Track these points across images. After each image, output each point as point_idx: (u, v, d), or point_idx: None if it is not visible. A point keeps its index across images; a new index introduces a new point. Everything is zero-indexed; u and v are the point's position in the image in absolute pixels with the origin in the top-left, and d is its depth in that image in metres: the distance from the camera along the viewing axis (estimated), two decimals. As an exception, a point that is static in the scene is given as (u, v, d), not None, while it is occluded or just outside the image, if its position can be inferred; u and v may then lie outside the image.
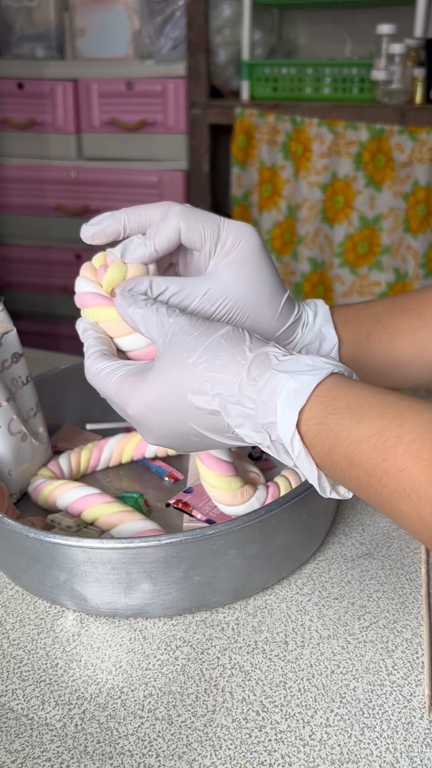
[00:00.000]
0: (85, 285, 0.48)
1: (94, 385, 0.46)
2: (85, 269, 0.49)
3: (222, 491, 0.50)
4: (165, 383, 0.42)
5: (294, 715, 0.42)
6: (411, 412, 0.36)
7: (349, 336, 0.52)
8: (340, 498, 0.41)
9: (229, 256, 0.47)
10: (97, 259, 0.49)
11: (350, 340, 0.52)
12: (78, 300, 0.49)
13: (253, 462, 0.59)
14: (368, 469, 0.36)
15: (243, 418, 0.41)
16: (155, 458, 0.66)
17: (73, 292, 0.49)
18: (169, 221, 0.46)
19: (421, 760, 0.39)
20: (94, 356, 0.46)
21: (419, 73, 1.56)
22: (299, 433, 0.39)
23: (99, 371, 0.45)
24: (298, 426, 0.39)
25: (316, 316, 0.52)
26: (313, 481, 0.40)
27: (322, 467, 0.39)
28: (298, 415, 0.38)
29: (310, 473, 0.40)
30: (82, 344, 0.47)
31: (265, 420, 0.40)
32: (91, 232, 0.48)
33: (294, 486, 0.54)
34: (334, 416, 0.38)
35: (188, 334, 0.42)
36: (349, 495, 0.41)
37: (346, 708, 0.42)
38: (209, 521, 0.54)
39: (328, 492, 0.41)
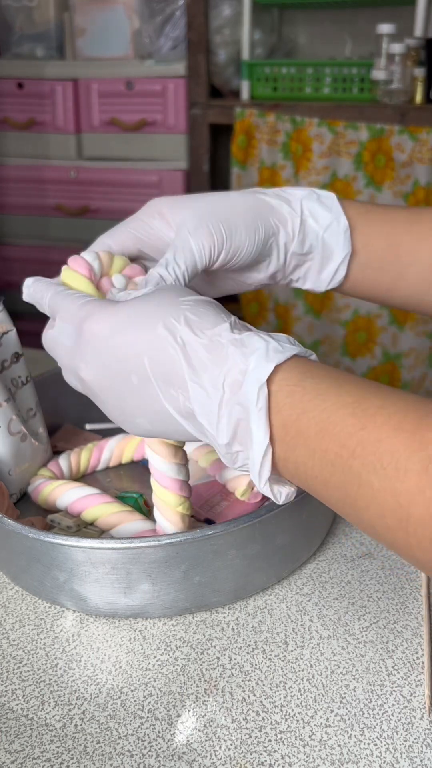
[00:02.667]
0: (89, 256, 0.47)
1: (57, 310, 0.44)
2: (96, 252, 0.48)
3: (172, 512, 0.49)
4: (140, 310, 0.40)
5: (294, 715, 0.42)
6: (391, 391, 0.34)
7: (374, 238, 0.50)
8: (270, 496, 0.38)
9: (167, 214, 0.48)
10: (71, 274, 0.48)
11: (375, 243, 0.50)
12: (71, 259, 0.47)
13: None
14: (341, 438, 0.33)
15: (205, 365, 0.37)
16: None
17: None
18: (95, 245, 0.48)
19: (421, 761, 0.39)
20: (54, 287, 0.45)
21: (419, 72, 1.56)
22: (269, 389, 0.36)
23: (66, 296, 0.43)
24: (268, 384, 0.36)
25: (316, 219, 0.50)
26: (258, 454, 0.36)
27: (280, 439, 0.36)
28: (272, 375, 0.36)
29: (259, 441, 0.36)
30: None
31: (232, 371, 0.36)
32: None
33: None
34: (312, 381, 0.35)
35: (172, 290, 0.41)
36: (282, 500, 0.38)
37: (346, 708, 0.42)
38: (208, 521, 0.54)
39: (264, 479, 0.37)
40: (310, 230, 0.50)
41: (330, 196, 0.51)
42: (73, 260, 0.47)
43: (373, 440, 0.32)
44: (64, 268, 0.47)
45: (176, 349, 0.38)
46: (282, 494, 0.38)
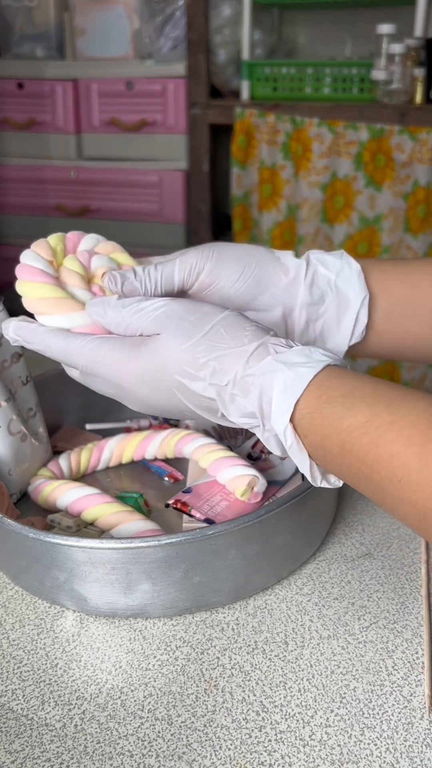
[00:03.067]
0: (31, 259, 0.47)
1: (76, 363, 0.45)
2: (37, 245, 0.48)
3: (40, 300, 0.46)
4: (161, 362, 0.42)
5: (294, 715, 0.42)
6: (403, 401, 0.36)
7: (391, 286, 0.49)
8: (330, 487, 0.42)
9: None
10: (54, 239, 0.49)
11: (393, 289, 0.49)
12: (18, 270, 0.47)
13: (251, 462, 0.59)
14: (360, 455, 0.36)
15: (236, 407, 0.41)
16: (155, 459, 0.66)
17: None
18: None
19: (421, 761, 0.39)
20: (62, 333, 0.45)
21: (419, 73, 1.56)
22: (293, 423, 0.39)
23: (81, 347, 0.44)
24: (291, 416, 0.39)
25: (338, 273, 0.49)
26: (305, 470, 0.40)
27: (314, 456, 0.40)
28: (293, 406, 0.39)
29: (301, 463, 0.40)
30: None
31: (259, 408, 0.40)
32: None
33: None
34: (327, 405, 0.38)
35: (184, 319, 0.42)
36: (340, 483, 0.42)
37: (346, 708, 0.42)
38: (208, 521, 0.54)
39: (318, 481, 0.41)
40: (319, 277, 0.48)
41: (338, 251, 0.50)
42: (71, 234, 0.49)
43: (387, 456, 0.35)
44: (51, 237, 0.49)
45: (209, 399, 0.42)
46: (331, 480, 0.42)
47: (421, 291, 0.48)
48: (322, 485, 0.42)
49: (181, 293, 0.48)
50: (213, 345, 0.41)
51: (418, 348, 0.50)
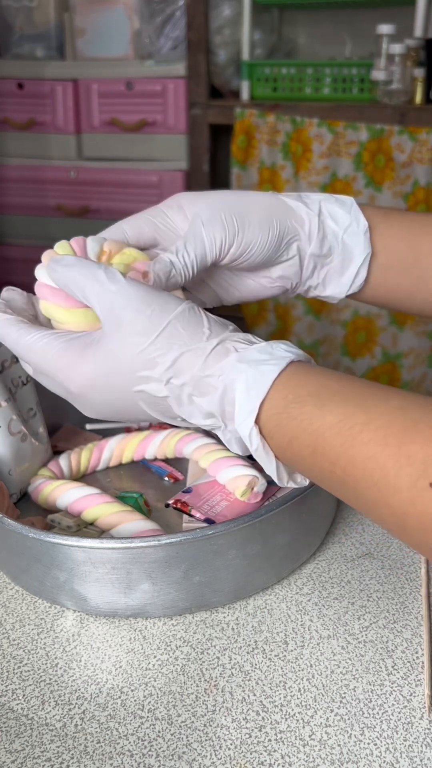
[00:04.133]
0: (45, 276, 0.45)
1: (26, 359, 0.43)
2: (46, 257, 0.46)
3: (77, 324, 0.44)
4: (114, 364, 0.40)
5: (294, 715, 0.42)
6: (375, 398, 0.35)
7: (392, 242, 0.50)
8: (296, 486, 0.41)
9: (185, 207, 0.48)
10: (61, 246, 0.47)
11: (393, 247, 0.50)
12: (39, 291, 0.45)
13: (251, 462, 0.59)
14: (332, 457, 0.35)
15: (194, 408, 0.40)
16: (155, 459, 0.66)
17: None
18: (113, 227, 0.48)
19: (421, 760, 0.39)
20: (18, 324, 0.42)
21: (419, 73, 1.56)
22: (258, 424, 0.38)
23: (32, 343, 0.41)
24: (256, 418, 0.37)
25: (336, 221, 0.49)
26: (271, 472, 0.39)
27: (282, 458, 0.38)
28: (258, 407, 0.37)
29: (267, 465, 0.39)
30: None
31: (220, 410, 0.39)
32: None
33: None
34: (295, 405, 0.36)
35: (139, 312, 0.39)
36: (306, 482, 0.41)
37: (346, 708, 0.42)
38: (208, 521, 0.54)
39: (285, 481, 0.40)
40: (329, 231, 0.49)
41: (348, 200, 0.50)
42: (75, 241, 0.46)
43: (362, 458, 0.33)
44: (58, 245, 0.46)
45: (163, 398, 0.40)
46: (297, 479, 0.41)
47: (421, 252, 0.50)
48: (288, 485, 0.41)
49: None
50: (169, 342, 0.39)
51: (407, 303, 0.52)
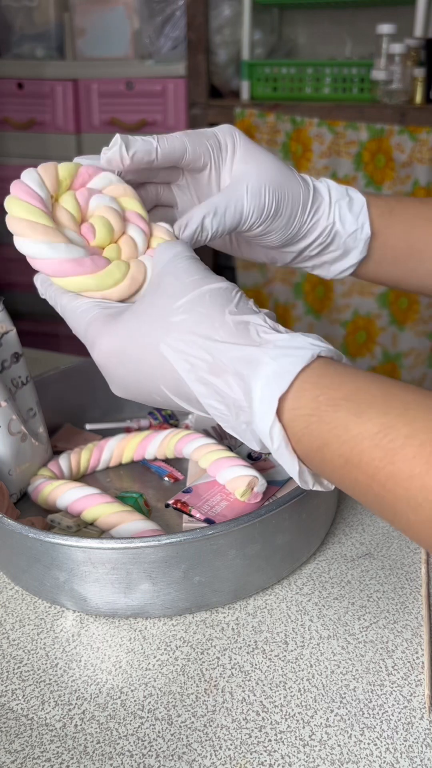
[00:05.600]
0: (31, 180, 0.43)
1: (69, 322, 0.42)
2: (45, 170, 0.43)
3: (104, 290, 0.42)
4: (137, 329, 0.38)
5: (294, 715, 0.42)
6: (420, 409, 0.31)
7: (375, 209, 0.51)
8: (322, 489, 0.38)
9: (237, 153, 0.47)
10: (65, 170, 0.44)
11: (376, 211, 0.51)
12: (13, 186, 0.42)
13: (251, 463, 0.59)
14: (369, 471, 0.32)
15: (212, 391, 0.37)
16: (155, 459, 0.66)
17: None
18: (173, 135, 0.45)
19: (421, 761, 0.39)
20: (69, 296, 0.42)
21: (419, 72, 1.56)
22: (281, 422, 0.35)
23: (74, 309, 0.41)
24: (279, 415, 0.35)
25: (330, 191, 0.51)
26: (293, 474, 0.36)
27: (308, 463, 0.36)
28: (280, 402, 0.34)
29: (290, 467, 0.36)
30: (81, 344, 0.44)
31: (239, 401, 0.36)
32: (108, 155, 0.44)
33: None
34: (328, 408, 0.33)
35: (177, 278, 0.39)
36: (332, 487, 0.38)
37: (346, 708, 0.42)
38: (208, 521, 0.54)
39: (310, 485, 0.37)
40: (336, 233, 0.51)
41: (360, 201, 0.51)
42: (15, 185, 0.43)
43: (405, 476, 0.30)
44: (8, 198, 0.43)
45: (184, 369, 0.37)
46: (324, 483, 0.39)
47: (416, 248, 0.52)
48: (314, 488, 0.38)
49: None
50: (192, 310, 0.37)
51: (396, 286, 0.54)
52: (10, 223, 0.42)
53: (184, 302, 0.38)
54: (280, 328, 0.38)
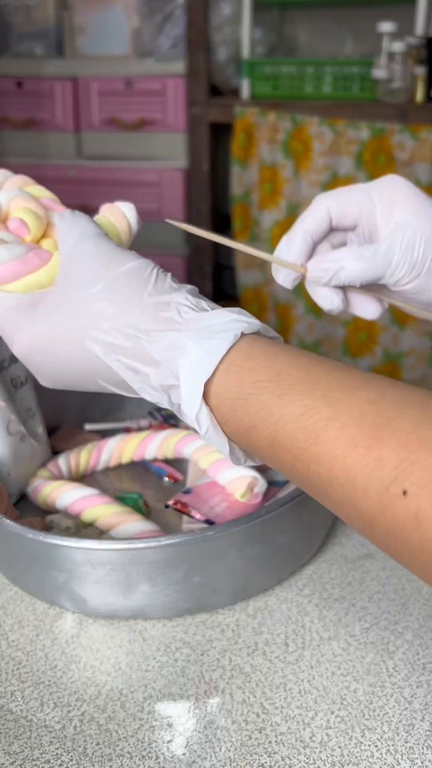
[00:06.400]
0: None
1: None
2: None
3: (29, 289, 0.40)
4: (57, 324, 0.37)
5: (294, 716, 0.41)
6: (343, 389, 0.32)
7: None
8: (254, 464, 0.38)
9: (395, 204, 0.45)
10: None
11: None
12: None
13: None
14: (294, 452, 0.32)
15: (140, 377, 0.36)
16: (155, 459, 0.66)
17: None
18: (316, 205, 0.44)
19: (422, 762, 0.39)
20: None
21: (420, 71, 1.56)
22: (209, 405, 0.35)
23: None
24: (206, 399, 0.34)
25: None
26: (225, 454, 0.36)
27: (237, 443, 0.36)
28: (206, 386, 0.34)
29: (220, 447, 0.36)
30: None
31: (166, 383, 0.35)
32: (283, 275, 0.45)
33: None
34: (253, 391, 0.33)
35: (87, 264, 0.37)
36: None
37: (347, 710, 0.42)
38: (208, 522, 0.54)
39: (243, 462, 0.37)
40: None
41: None
42: None
43: (327, 457, 0.31)
44: None
45: (115, 364, 0.36)
46: (256, 459, 0.38)
47: None
48: (247, 465, 0.37)
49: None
50: (110, 295, 0.36)
51: None
52: None
53: (99, 290, 0.37)
54: (204, 303, 0.37)
